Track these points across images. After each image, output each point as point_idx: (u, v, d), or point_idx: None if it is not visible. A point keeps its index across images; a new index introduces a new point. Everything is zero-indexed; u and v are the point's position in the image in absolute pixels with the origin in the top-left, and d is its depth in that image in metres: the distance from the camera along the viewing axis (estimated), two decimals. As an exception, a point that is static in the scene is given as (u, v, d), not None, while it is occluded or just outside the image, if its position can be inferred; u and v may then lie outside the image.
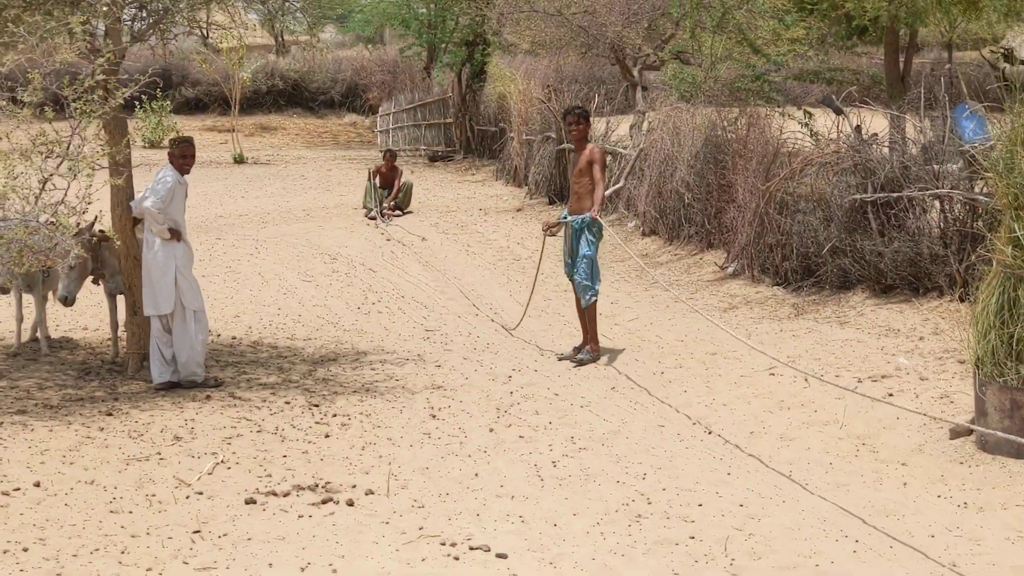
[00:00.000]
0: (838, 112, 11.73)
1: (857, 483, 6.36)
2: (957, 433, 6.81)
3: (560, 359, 9.51)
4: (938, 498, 6.04)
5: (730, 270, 12.15)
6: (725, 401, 8.10)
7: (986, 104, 9.62)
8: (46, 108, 6.69)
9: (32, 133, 6.81)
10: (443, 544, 5.52)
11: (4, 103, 6.29)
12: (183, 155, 8.57)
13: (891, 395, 7.68)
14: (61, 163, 6.43)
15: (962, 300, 9.30)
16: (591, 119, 10.13)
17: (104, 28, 8.19)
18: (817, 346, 9.15)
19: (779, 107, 13.88)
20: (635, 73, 19.45)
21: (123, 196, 8.52)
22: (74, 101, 6.56)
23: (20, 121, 6.26)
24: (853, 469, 6.58)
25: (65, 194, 6.74)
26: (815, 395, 7.89)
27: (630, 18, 18.55)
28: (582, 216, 9.32)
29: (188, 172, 8.66)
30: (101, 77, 6.79)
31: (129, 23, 8.57)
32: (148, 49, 10.36)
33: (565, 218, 9.62)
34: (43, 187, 6.29)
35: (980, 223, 9.22)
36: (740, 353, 9.11)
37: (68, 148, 6.42)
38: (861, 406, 7.49)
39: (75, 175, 6.50)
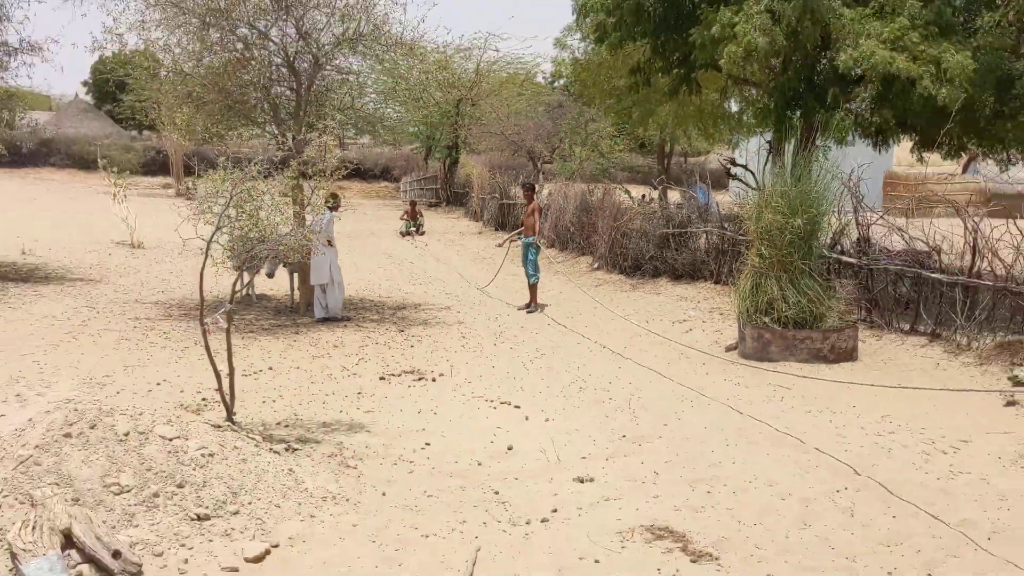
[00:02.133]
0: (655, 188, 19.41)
1: (684, 372, 10.52)
2: (730, 348, 11.59)
3: (518, 309, 14.70)
4: (725, 381, 10.15)
5: (595, 267, 18.86)
6: (607, 331, 12.78)
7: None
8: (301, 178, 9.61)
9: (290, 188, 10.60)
10: (487, 401, 9.22)
11: (296, 176, 9.00)
12: (336, 205, 13.04)
13: (691, 331, 12.51)
14: (307, 206, 10.02)
15: (716, 283, 15.40)
16: (536, 187, 17.03)
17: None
18: (646, 305, 14.71)
19: (616, 184, 22.20)
20: (538, 165, 35.05)
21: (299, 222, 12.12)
22: (313, 176, 9.38)
23: (287, 185, 9.07)
24: (681, 366, 10.80)
25: (312, 222, 10.80)
26: (648, 333, 12.66)
27: (539, 136, 35.17)
28: (529, 238, 14.68)
29: (336, 210, 13.11)
30: (333, 163, 9.34)
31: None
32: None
33: (519, 236, 15.16)
34: (301, 221, 9.78)
35: (726, 245, 15.33)
36: (606, 309, 14.22)
37: (312, 198, 10.07)
38: (675, 335, 12.34)
39: (315, 213, 10.50)
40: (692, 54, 15.59)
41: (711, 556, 5.71)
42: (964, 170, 38.63)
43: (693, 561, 5.63)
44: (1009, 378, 9.53)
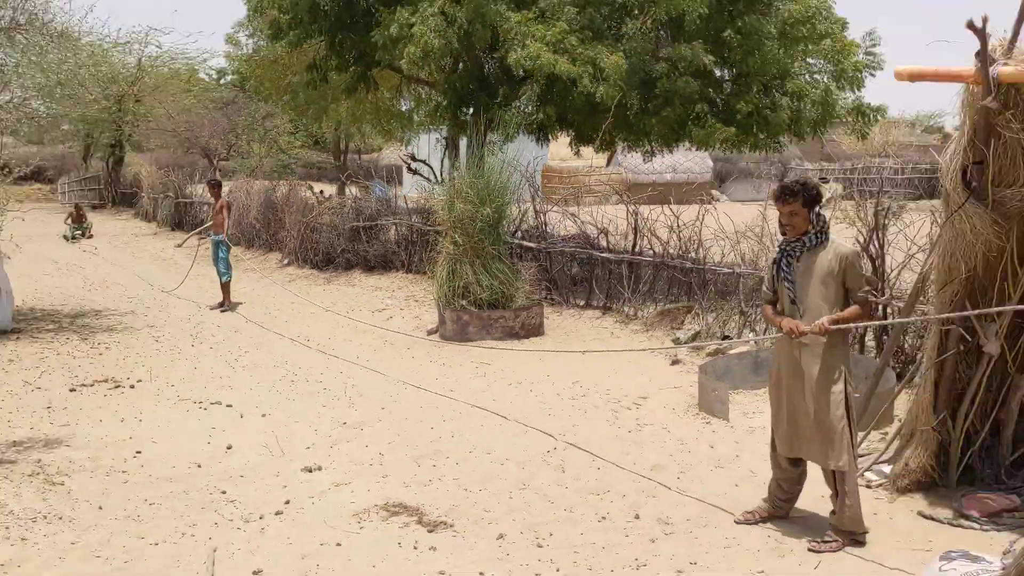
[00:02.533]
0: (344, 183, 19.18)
1: (391, 357, 10.65)
2: (431, 332, 11.87)
3: (211, 309, 13.74)
4: (431, 362, 10.41)
5: (285, 262, 18.20)
6: (309, 324, 12.51)
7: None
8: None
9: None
10: (195, 403, 8.78)
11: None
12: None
13: (391, 318, 12.63)
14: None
15: (408, 272, 15.62)
16: (222, 184, 15.56)
17: None
18: (343, 297, 14.61)
19: (301, 181, 22.15)
20: (214, 162, 33.18)
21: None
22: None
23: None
24: (387, 352, 10.92)
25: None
26: (350, 323, 12.60)
27: (214, 132, 33.67)
28: (219, 236, 13.92)
29: None
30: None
31: None
32: None
33: (209, 235, 14.40)
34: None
35: (415, 237, 15.59)
36: (304, 303, 13.99)
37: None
38: (377, 323, 12.42)
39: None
40: (371, 52, 15.71)
41: (446, 524, 5.87)
42: (608, 163, 42.18)
43: (430, 531, 5.76)
44: (672, 340, 10.60)
